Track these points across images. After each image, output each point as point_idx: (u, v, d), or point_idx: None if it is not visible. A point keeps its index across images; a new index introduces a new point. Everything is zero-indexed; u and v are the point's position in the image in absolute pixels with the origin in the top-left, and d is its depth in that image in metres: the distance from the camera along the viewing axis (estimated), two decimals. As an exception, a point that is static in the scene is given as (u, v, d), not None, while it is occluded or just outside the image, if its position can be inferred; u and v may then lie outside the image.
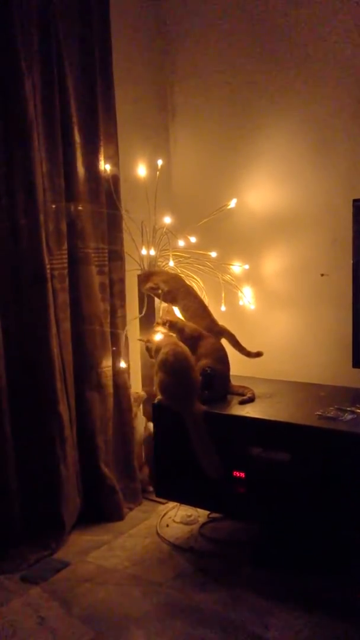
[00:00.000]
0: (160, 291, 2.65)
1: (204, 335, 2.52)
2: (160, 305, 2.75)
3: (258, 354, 2.55)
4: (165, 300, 2.69)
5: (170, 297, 2.66)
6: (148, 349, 2.50)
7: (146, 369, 2.85)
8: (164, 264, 2.80)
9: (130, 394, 2.79)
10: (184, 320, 2.63)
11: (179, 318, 2.63)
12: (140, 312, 2.80)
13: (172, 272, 2.74)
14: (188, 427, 2.27)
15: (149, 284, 2.66)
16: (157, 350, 2.42)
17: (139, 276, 2.80)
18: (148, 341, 2.50)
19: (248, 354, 2.56)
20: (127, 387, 2.78)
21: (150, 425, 2.72)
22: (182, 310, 2.65)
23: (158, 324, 2.56)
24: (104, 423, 2.69)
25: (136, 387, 2.90)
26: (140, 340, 2.57)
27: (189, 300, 2.62)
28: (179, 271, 2.81)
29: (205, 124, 3.10)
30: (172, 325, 2.53)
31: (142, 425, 2.88)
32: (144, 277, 2.70)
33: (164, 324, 2.52)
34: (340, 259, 2.57)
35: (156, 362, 2.39)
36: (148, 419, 2.86)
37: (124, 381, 2.77)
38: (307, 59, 2.71)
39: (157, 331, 2.52)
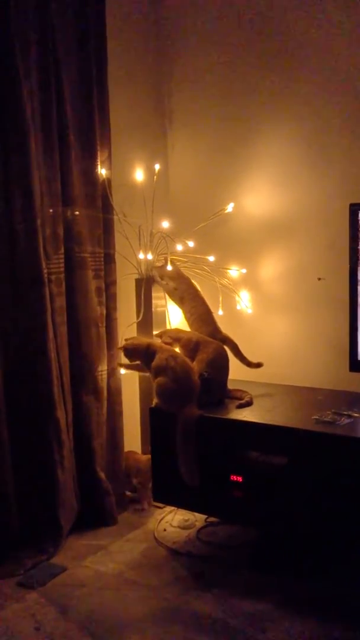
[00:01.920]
0: (168, 286, 2.67)
1: (202, 340, 2.52)
2: (166, 311, 2.76)
3: (258, 365, 2.56)
4: (171, 297, 2.69)
5: (177, 296, 2.66)
6: (131, 352, 2.48)
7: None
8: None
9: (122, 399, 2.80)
10: (179, 329, 2.64)
11: (175, 330, 2.64)
12: (137, 316, 2.80)
13: (184, 272, 2.72)
14: (178, 428, 2.27)
15: (158, 277, 2.69)
16: (150, 353, 2.42)
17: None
18: (125, 348, 2.49)
19: (249, 364, 2.57)
20: (120, 391, 2.78)
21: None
22: (187, 313, 2.65)
23: (165, 342, 2.55)
24: (99, 427, 2.69)
25: (133, 389, 2.89)
26: (120, 348, 2.56)
27: (197, 303, 2.63)
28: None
29: (203, 129, 3.10)
30: (173, 339, 2.54)
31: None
32: (158, 269, 2.72)
33: (168, 343, 2.53)
34: (337, 263, 2.57)
35: (153, 366, 2.39)
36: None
37: (118, 385, 2.77)
38: (304, 64, 2.72)
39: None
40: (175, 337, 2.55)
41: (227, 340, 2.57)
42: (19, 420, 2.41)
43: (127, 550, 2.44)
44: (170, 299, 2.74)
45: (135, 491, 2.83)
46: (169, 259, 2.67)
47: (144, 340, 2.54)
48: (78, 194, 2.59)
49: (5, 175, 2.34)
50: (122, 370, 2.72)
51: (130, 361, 2.53)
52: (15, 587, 2.19)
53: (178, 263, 2.76)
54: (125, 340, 2.56)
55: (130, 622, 1.96)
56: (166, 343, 2.51)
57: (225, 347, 2.55)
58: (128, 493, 2.83)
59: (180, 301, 2.68)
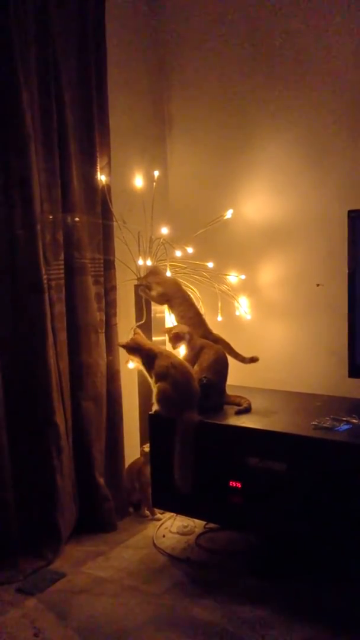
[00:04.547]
0: (154, 292, 2.66)
1: (206, 344, 2.52)
2: (167, 314, 2.75)
3: (253, 360, 2.55)
4: (158, 303, 2.70)
5: (165, 300, 2.66)
6: (133, 349, 2.47)
7: (142, 375, 2.84)
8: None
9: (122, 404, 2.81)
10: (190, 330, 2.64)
11: (185, 328, 2.62)
12: (137, 320, 2.80)
13: (172, 277, 2.72)
14: (177, 434, 2.27)
15: (144, 282, 2.68)
16: (150, 356, 2.42)
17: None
18: (128, 344, 2.48)
19: (243, 360, 2.56)
20: (120, 397, 2.79)
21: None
22: (178, 317, 2.65)
23: (173, 336, 2.54)
24: (99, 433, 2.69)
25: (133, 394, 2.90)
26: (123, 345, 2.55)
27: (185, 306, 2.63)
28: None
29: (202, 135, 3.12)
30: (181, 337, 2.52)
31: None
32: (144, 276, 2.71)
33: (175, 338, 2.52)
34: (336, 269, 2.58)
35: (154, 372, 2.39)
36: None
37: (117, 390, 2.78)
38: (304, 71, 2.73)
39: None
40: (187, 339, 2.52)
41: (219, 340, 2.58)
42: (18, 426, 2.41)
43: (126, 556, 2.44)
44: (160, 305, 2.74)
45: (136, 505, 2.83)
46: (155, 267, 2.67)
47: (148, 342, 2.53)
48: (78, 200, 2.60)
49: (6, 181, 2.35)
50: (131, 364, 2.67)
51: (130, 353, 2.51)
52: (14, 593, 2.18)
53: (163, 266, 2.74)
54: (134, 330, 2.54)
55: (130, 629, 1.96)
56: (175, 333, 2.49)
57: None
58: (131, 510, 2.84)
59: (169, 306, 2.68)
